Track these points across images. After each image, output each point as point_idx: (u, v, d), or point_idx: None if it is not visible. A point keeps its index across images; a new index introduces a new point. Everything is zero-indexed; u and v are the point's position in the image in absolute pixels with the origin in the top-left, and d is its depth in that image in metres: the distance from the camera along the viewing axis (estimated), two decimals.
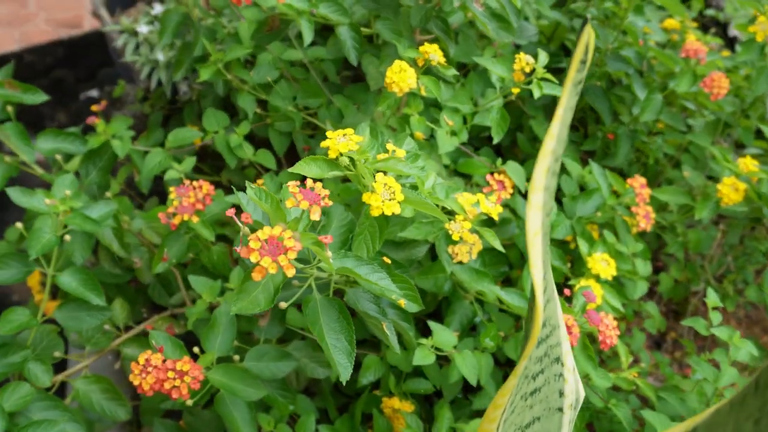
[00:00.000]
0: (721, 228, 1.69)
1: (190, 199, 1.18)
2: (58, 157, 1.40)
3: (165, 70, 1.83)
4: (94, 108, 1.64)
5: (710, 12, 2.25)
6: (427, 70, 1.23)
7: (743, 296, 1.62)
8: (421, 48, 1.20)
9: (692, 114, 1.78)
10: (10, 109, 1.38)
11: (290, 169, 0.83)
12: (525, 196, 1.43)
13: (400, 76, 1.13)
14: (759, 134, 1.81)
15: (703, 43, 1.57)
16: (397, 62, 1.15)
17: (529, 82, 1.24)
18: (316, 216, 0.76)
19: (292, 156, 1.64)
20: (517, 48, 1.74)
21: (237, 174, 1.70)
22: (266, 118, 1.54)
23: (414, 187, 1.00)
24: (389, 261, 1.00)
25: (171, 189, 1.19)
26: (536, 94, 1.20)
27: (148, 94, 2.07)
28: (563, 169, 1.65)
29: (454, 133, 1.25)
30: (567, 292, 1.21)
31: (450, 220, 1.07)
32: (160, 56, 1.82)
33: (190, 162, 1.29)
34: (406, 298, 0.98)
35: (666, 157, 1.78)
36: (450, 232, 1.06)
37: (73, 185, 1.27)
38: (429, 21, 1.38)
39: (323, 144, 0.87)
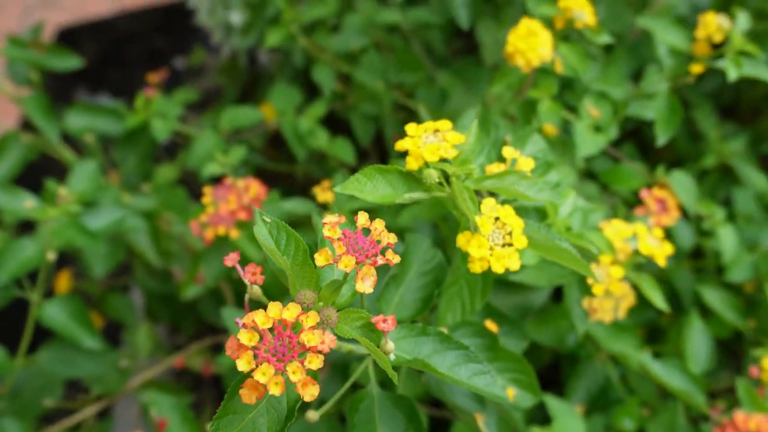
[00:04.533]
0: None
1: (230, 205, 0.87)
2: (90, 139, 1.13)
3: (241, 36, 1.54)
4: (151, 78, 1.37)
5: None
6: (565, 36, 0.86)
7: None
8: (560, 2, 0.83)
9: None
10: (34, 76, 1.12)
11: (339, 188, 0.49)
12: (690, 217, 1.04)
13: (528, 43, 0.77)
14: None
15: None
16: (524, 21, 0.79)
17: (718, 57, 0.85)
18: (367, 286, 0.42)
19: (379, 147, 1.31)
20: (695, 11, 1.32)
21: (316, 164, 1.38)
22: (348, 98, 1.22)
23: (540, 214, 0.64)
24: (494, 327, 0.65)
25: (205, 190, 0.89)
26: (732, 75, 0.81)
27: (232, 63, 1.79)
28: (735, 179, 1.24)
29: (599, 128, 0.88)
30: (754, 371, 0.83)
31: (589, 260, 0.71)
32: (235, 18, 1.53)
33: (238, 152, 0.98)
34: (517, 386, 0.63)
35: None
36: (590, 282, 0.70)
37: (94, 177, 0.99)
38: None
39: (399, 145, 0.53)
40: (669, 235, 1.07)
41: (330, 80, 1.14)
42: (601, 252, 0.70)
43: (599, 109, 0.88)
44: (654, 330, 1.11)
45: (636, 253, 0.72)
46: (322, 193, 0.92)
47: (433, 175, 0.52)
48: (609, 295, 0.74)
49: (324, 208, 0.94)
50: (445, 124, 0.54)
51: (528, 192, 0.54)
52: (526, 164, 0.56)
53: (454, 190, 0.52)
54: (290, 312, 0.41)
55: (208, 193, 0.88)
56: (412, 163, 0.53)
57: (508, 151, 0.57)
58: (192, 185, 1.58)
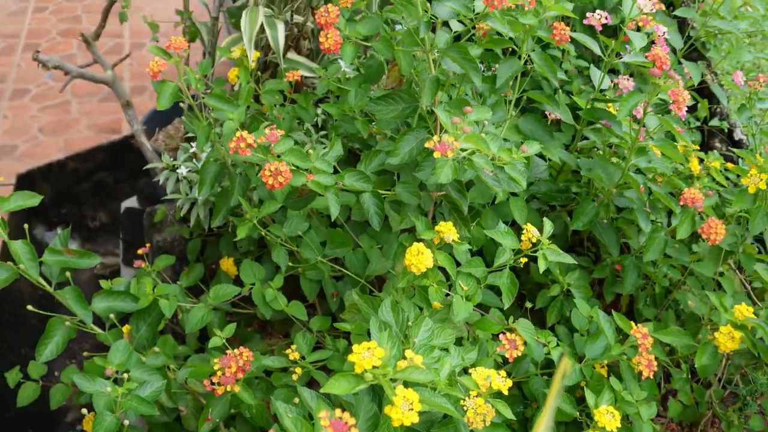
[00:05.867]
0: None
1: (232, 369, 1.32)
2: (111, 315, 1.55)
3: (203, 207, 1.99)
4: (140, 251, 1.80)
5: (715, 123, 2.36)
6: (443, 244, 1.36)
7: (748, 425, 1.71)
8: (436, 227, 1.33)
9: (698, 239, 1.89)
10: (68, 274, 1.53)
11: (323, 390, 0.95)
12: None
13: (418, 259, 1.26)
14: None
15: (701, 187, 1.69)
16: (415, 245, 1.28)
17: (536, 250, 1.37)
18: None
19: (322, 298, 1.78)
20: (530, 185, 1.86)
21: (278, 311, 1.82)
22: (298, 267, 1.68)
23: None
24: None
25: (215, 360, 1.33)
26: (542, 266, 1.32)
27: (188, 215, 2.22)
28: (575, 304, 1.76)
29: (468, 298, 1.38)
30: None
31: (465, 395, 1.19)
32: (201, 197, 1.98)
33: (231, 328, 1.43)
34: None
35: (672, 282, 1.88)
36: (464, 408, 1.18)
37: (126, 350, 1.41)
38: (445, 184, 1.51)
39: (350, 358, 1.00)
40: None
41: (285, 260, 1.61)
42: (470, 389, 1.18)
43: (467, 285, 1.38)
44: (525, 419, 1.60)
45: (491, 386, 1.21)
46: (292, 354, 1.38)
47: (369, 377, 0.98)
48: (478, 413, 1.22)
49: (294, 362, 1.39)
50: (373, 344, 1.01)
51: (419, 377, 1.01)
52: (417, 360, 1.04)
53: (380, 383, 0.98)
54: None
55: (217, 363, 1.32)
56: (358, 369, 0.99)
57: (408, 354, 1.04)
58: (174, 330, 2.00)
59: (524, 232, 1.36)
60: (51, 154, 3.26)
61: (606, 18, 1.49)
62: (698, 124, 2.42)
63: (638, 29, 1.49)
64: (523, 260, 1.37)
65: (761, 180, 1.52)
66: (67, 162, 3.28)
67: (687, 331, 1.59)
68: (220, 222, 1.81)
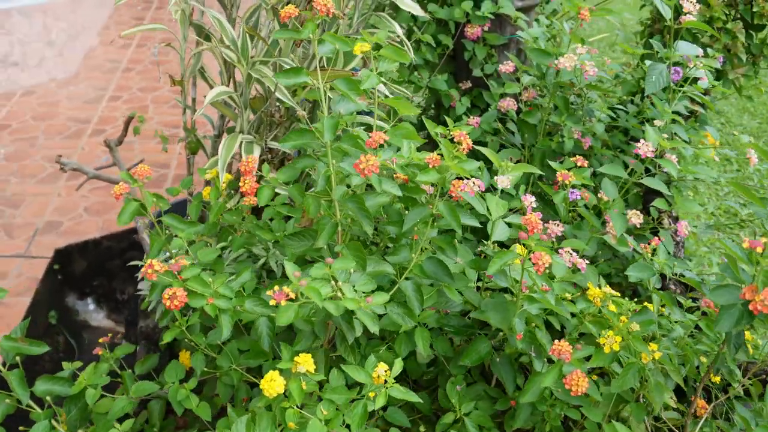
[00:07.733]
0: None
1: None
2: (48, 398, 1.83)
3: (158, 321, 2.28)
4: (101, 340, 2.10)
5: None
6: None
7: None
8: (295, 358, 1.55)
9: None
10: (18, 358, 1.83)
11: None
12: None
13: (270, 385, 1.48)
14: None
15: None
16: (270, 372, 1.50)
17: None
18: None
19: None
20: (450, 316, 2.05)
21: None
22: (216, 372, 1.92)
23: None
24: None
25: None
26: (378, 403, 1.51)
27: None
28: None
29: (327, 421, 1.57)
30: None
31: None
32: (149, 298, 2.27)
33: (129, 423, 1.67)
34: None
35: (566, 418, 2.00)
36: None
37: (46, 429, 1.68)
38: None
39: None
40: None
41: (201, 365, 1.86)
42: None
43: (328, 410, 1.58)
44: None
45: None
46: None
47: None
48: None
49: None
50: None
51: None
52: None
53: None
54: None
55: None
56: None
57: None
58: None
59: (374, 371, 1.56)
60: (90, 232, 3.67)
61: (480, 186, 1.69)
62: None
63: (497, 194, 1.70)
64: (372, 394, 1.56)
65: (615, 342, 1.66)
66: (102, 241, 3.68)
67: None
68: (168, 322, 2.08)
